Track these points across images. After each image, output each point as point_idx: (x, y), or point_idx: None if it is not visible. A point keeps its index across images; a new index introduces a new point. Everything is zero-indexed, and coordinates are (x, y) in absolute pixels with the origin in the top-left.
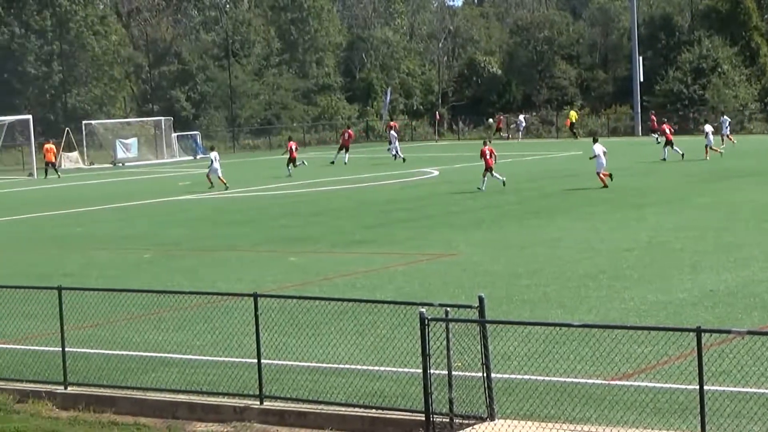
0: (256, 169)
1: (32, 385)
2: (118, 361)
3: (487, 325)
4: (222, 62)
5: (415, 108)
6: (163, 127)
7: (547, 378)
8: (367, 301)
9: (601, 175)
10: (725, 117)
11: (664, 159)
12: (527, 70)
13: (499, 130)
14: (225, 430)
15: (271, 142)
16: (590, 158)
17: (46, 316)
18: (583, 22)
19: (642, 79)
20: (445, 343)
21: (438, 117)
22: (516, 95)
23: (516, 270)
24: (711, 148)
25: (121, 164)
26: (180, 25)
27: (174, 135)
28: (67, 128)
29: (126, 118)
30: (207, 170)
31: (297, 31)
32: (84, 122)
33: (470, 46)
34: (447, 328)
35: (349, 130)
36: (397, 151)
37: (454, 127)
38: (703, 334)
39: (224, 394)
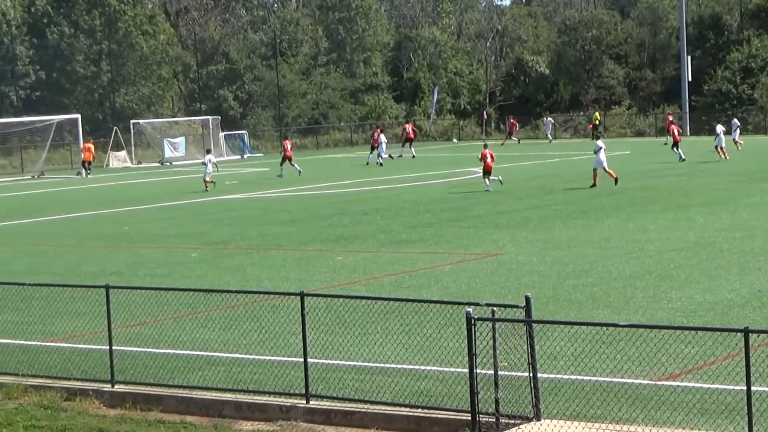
0: (304, 168)
1: (80, 383)
2: (164, 360)
3: (534, 325)
4: (270, 62)
5: (462, 107)
6: (210, 126)
7: (593, 378)
8: (413, 301)
9: (607, 171)
10: (735, 120)
11: (683, 159)
12: (575, 69)
13: (510, 134)
14: (271, 429)
15: (318, 141)
16: (594, 152)
17: (93, 315)
18: (632, 21)
19: (690, 79)
20: (491, 342)
21: (485, 116)
22: (564, 95)
23: (563, 270)
24: (722, 148)
25: (168, 163)
26: (228, 25)
27: (221, 134)
28: (115, 127)
29: (174, 117)
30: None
31: (345, 30)
32: (132, 121)
33: (518, 46)
34: (493, 327)
35: (378, 129)
36: (380, 156)
37: (502, 126)
38: (750, 334)
39: (270, 393)
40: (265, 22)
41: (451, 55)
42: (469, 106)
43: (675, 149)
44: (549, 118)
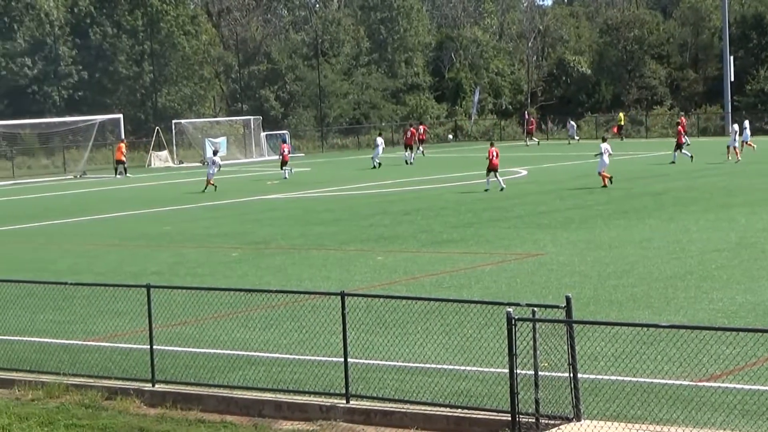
0: (345, 168)
1: (120, 382)
2: (205, 359)
3: (574, 326)
4: (311, 62)
5: (503, 108)
6: (252, 126)
7: (633, 379)
8: (454, 301)
9: (603, 174)
10: (746, 122)
11: (691, 157)
12: (617, 69)
13: (530, 133)
14: (311, 428)
15: (359, 141)
16: (595, 155)
17: (134, 314)
18: (674, 21)
19: (733, 79)
20: (531, 343)
21: (527, 117)
22: (605, 95)
23: (604, 270)
24: (735, 148)
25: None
26: (270, 25)
27: (263, 134)
28: (157, 127)
29: (215, 117)
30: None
31: (386, 30)
32: (174, 121)
33: (560, 46)
34: (534, 328)
35: (412, 128)
36: (374, 157)
37: (543, 127)
38: None
39: (310, 393)
40: (306, 22)
41: (493, 55)
42: (510, 107)
43: (680, 151)
44: (572, 122)
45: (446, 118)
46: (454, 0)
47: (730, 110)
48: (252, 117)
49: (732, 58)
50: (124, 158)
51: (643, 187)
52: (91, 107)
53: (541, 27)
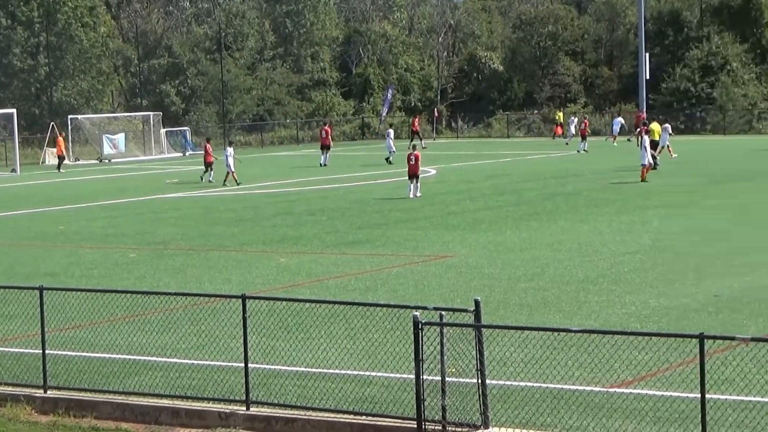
0: (248, 166)
1: (10, 388)
2: (100, 365)
3: (483, 330)
4: (214, 56)
5: (413, 104)
6: (151, 122)
7: (543, 385)
8: (359, 304)
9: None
10: (667, 125)
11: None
12: (530, 66)
13: (584, 136)
14: None
15: (263, 138)
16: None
17: (26, 317)
18: (589, 16)
19: (648, 77)
20: (439, 347)
21: (437, 114)
22: (518, 92)
23: (514, 273)
24: (668, 147)
25: (107, 160)
26: (171, 17)
27: (163, 131)
28: (52, 123)
29: (113, 112)
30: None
31: (292, 24)
32: (70, 117)
33: (471, 41)
34: (441, 332)
35: (326, 127)
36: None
37: (453, 124)
38: (706, 340)
39: (209, 399)
40: (209, 14)
41: (402, 51)
42: (420, 103)
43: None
44: (619, 118)
45: (353, 115)
46: None
47: (645, 108)
48: (152, 113)
49: (648, 55)
50: (63, 153)
51: (555, 188)
52: None
53: (452, 22)
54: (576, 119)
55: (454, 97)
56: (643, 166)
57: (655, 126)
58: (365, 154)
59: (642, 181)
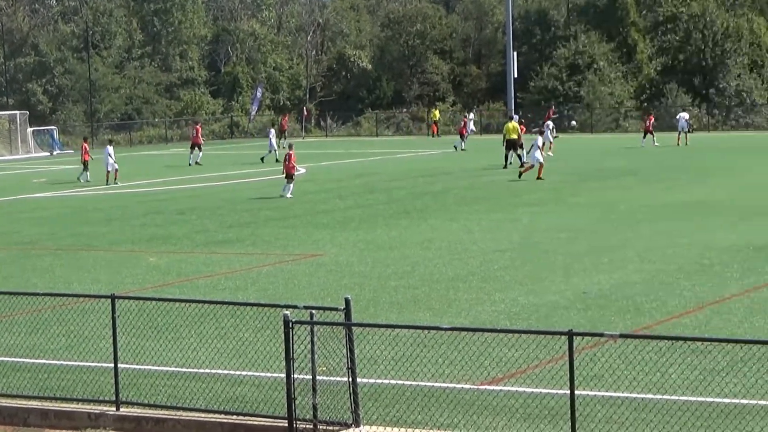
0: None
1: None
2: None
3: (354, 328)
4: (81, 54)
5: (281, 103)
6: (18, 121)
7: (414, 383)
8: (229, 303)
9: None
10: (549, 122)
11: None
12: (398, 65)
13: (650, 132)
14: None
15: (131, 137)
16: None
17: None
18: (457, 15)
19: (516, 75)
20: (309, 346)
21: (305, 113)
22: (387, 91)
23: (384, 271)
24: (550, 142)
25: None
26: (38, 15)
27: (30, 130)
28: None
29: None
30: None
31: (160, 22)
32: None
33: (340, 40)
34: (312, 331)
35: (197, 126)
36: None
37: (322, 123)
38: (574, 337)
39: (79, 400)
40: (76, 12)
41: (271, 49)
42: (288, 102)
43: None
44: (684, 113)
45: (222, 113)
46: None
47: (513, 107)
48: (18, 112)
49: (515, 54)
50: None
51: (425, 186)
52: None
53: (320, 20)
54: (472, 115)
55: (323, 96)
56: (540, 164)
57: (512, 125)
58: (235, 153)
59: (538, 179)
